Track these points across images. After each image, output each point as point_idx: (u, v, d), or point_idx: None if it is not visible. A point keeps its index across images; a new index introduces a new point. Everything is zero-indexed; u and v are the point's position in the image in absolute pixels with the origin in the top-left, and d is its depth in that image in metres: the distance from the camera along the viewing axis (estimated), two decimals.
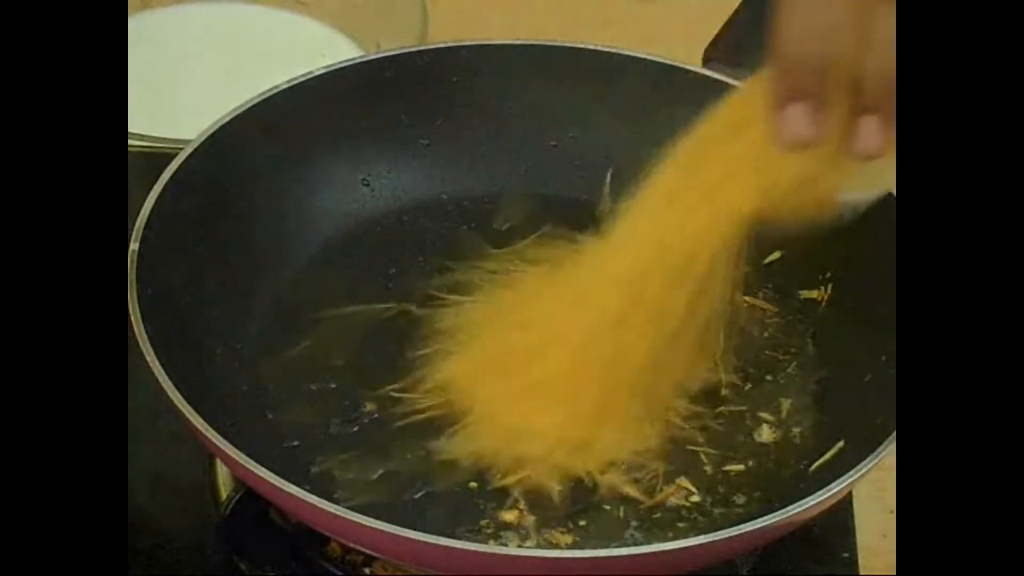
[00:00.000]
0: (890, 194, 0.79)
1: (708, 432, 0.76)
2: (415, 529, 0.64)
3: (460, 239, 0.87)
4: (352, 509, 0.65)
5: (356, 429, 0.76)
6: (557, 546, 0.71)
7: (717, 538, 0.65)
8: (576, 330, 0.76)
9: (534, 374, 0.76)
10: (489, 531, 0.72)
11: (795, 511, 0.66)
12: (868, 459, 0.68)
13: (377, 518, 0.65)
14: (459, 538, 0.68)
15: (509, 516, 0.72)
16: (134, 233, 0.74)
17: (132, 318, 0.70)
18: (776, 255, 0.85)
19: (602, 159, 0.88)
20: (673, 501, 0.73)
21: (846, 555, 0.79)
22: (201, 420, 0.67)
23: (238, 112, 0.83)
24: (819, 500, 0.67)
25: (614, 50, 0.87)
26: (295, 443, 0.75)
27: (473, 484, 0.73)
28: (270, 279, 0.83)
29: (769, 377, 0.79)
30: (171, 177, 0.78)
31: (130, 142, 0.85)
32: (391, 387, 0.77)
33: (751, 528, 0.66)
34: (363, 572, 0.75)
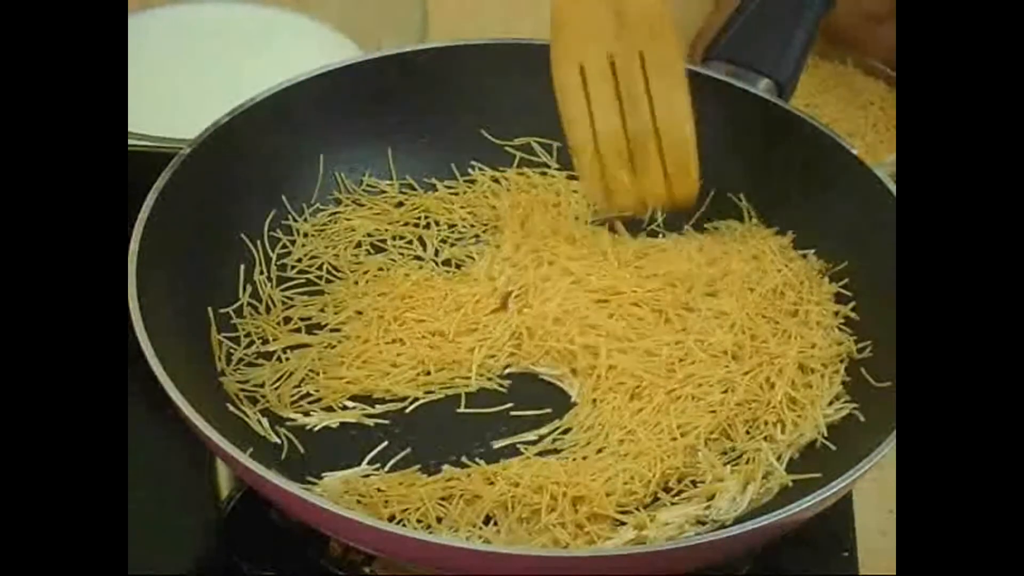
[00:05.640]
0: (890, 194, 0.79)
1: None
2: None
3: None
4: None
5: (355, 432, 0.76)
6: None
7: (717, 538, 0.65)
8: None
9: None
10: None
11: (795, 511, 0.66)
12: (868, 459, 0.68)
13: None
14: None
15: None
16: (134, 233, 0.74)
17: (132, 318, 0.70)
18: None
19: None
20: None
21: (846, 555, 0.79)
22: (201, 420, 0.67)
23: (237, 112, 0.83)
24: (819, 500, 0.67)
25: None
26: (295, 443, 0.75)
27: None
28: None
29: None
30: (171, 177, 0.78)
31: (130, 142, 0.84)
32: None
33: (751, 528, 0.66)
34: (363, 572, 0.75)
